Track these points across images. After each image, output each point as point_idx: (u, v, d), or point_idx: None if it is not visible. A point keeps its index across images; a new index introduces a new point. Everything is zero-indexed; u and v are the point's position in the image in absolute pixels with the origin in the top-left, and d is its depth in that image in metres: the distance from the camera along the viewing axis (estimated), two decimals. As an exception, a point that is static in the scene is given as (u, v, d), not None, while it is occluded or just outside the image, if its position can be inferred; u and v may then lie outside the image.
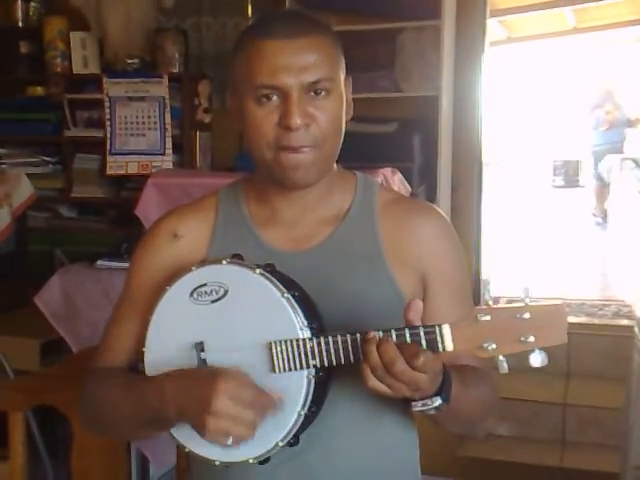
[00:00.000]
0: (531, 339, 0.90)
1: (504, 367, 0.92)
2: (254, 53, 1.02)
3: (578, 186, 10.30)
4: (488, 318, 0.91)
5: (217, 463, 1.01)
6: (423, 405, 0.96)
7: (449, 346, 0.92)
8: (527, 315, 0.90)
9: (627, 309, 4.03)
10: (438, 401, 0.95)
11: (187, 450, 1.03)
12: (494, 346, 0.91)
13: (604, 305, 4.17)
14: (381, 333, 0.93)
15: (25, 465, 1.58)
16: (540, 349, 0.91)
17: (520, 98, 11.17)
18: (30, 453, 1.62)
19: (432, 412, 0.97)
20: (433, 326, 0.92)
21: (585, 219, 7.58)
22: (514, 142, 11.23)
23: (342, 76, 1.08)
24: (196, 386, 0.95)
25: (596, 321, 3.85)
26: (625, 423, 2.59)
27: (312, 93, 1.02)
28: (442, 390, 0.96)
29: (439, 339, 0.92)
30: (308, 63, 1.01)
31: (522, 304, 0.91)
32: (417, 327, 0.93)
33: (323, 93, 1.03)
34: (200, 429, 0.95)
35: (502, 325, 0.91)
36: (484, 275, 3.53)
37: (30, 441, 1.74)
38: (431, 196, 3.15)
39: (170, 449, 2.16)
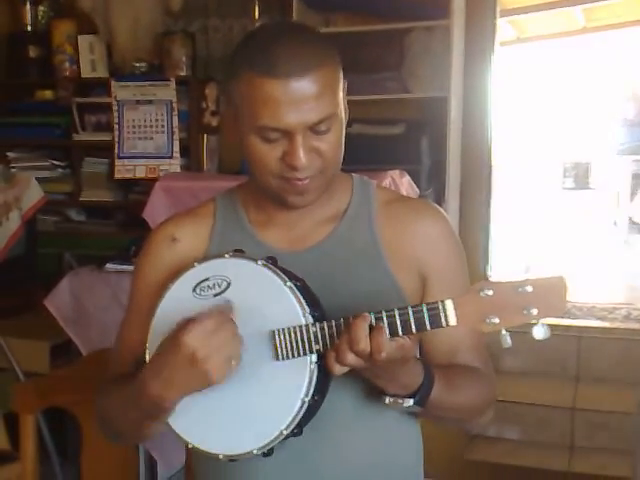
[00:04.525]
0: (534, 311, 0.92)
1: (507, 341, 0.93)
2: (256, 91, 0.99)
3: (589, 188, 10.26)
4: (490, 293, 0.92)
5: (221, 457, 1.02)
6: (393, 402, 0.99)
7: (452, 321, 0.93)
8: (529, 288, 0.92)
9: (638, 312, 4.01)
10: (409, 403, 0.98)
11: (190, 446, 1.04)
12: (497, 320, 0.92)
13: (614, 308, 4.15)
14: (384, 313, 0.94)
15: (36, 467, 1.58)
16: (542, 322, 0.92)
17: (530, 99, 11.14)
18: (40, 454, 1.62)
19: (401, 410, 1.00)
20: (436, 302, 0.94)
21: (597, 222, 7.55)
22: (524, 143, 11.20)
23: (342, 96, 1.06)
24: (173, 361, 0.96)
25: (606, 324, 3.82)
26: (636, 427, 2.57)
27: (316, 130, 1.01)
28: (417, 393, 0.98)
29: (442, 314, 0.93)
30: (312, 103, 0.99)
31: (524, 278, 0.93)
32: (420, 304, 0.94)
33: (325, 129, 1.02)
34: (209, 381, 0.95)
35: (505, 299, 0.92)
36: (493, 278, 3.52)
37: (40, 442, 1.75)
38: (439, 198, 3.14)
39: (178, 450, 2.16)
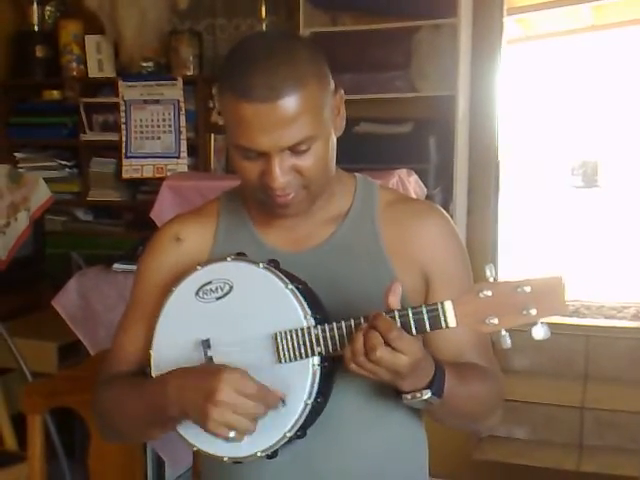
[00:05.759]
0: (533, 311, 0.92)
1: (507, 342, 0.93)
2: (234, 111, 0.99)
3: (597, 186, 10.23)
4: (489, 293, 0.93)
5: (226, 459, 1.02)
6: (412, 397, 0.98)
7: (452, 322, 0.93)
8: (528, 288, 0.92)
9: (646, 311, 3.99)
10: (428, 394, 0.97)
11: (195, 448, 1.04)
12: (496, 321, 0.93)
13: (623, 307, 4.13)
14: (384, 315, 0.94)
15: (44, 467, 1.59)
16: (542, 322, 0.92)
17: (537, 97, 11.10)
18: (47, 454, 1.63)
19: (422, 405, 0.99)
20: (435, 304, 0.94)
21: (605, 220, 7.52)
22: (532, 142, 11.17)
23: (329, 111, 1.04)
24: (200, 380, 0.96)
25: (615, 323, 3.81)
26: (645, 426, 2.56)
27: (295, 150, 1.01)
28: (433, 384, 0.97)
29: (442, 316, 0.94)
30: (288, 127, 0.98)
31: (523, 278, 0.93)
32: (420, 306, 0.94)
33: (304, 148, 1.01)
34: (203, 420, 0.95)
35: (504, 299, 0.92)
36: (499, 276, 3.50)
37: (47, 441, 1.75)
38: (447, 197, 3.13)
39: (186, 450, 2.15)
